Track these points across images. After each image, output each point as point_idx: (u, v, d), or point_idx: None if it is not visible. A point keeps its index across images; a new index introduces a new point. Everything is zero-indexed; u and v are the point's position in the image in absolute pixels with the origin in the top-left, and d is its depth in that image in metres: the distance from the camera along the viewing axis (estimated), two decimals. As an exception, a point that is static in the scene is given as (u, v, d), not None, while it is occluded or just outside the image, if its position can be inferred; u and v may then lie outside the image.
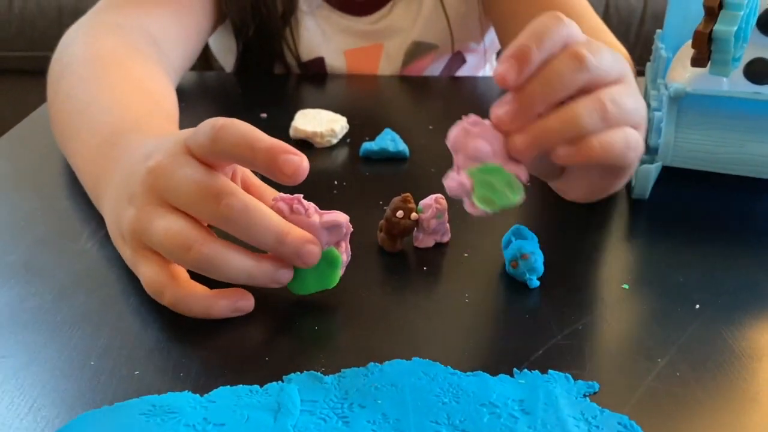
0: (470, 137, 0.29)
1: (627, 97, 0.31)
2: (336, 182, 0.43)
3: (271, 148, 0.28)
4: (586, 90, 0.29)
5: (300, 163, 0.28)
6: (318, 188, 0.42)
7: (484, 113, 0.30)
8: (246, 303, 0.31)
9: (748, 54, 0.41)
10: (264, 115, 0.54)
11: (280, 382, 0.26)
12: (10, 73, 1.36)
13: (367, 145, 0.47)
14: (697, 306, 0.32)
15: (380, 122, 0.51)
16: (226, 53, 0.72)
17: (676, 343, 0.29)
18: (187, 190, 0.29)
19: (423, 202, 0.35)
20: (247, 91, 0.61)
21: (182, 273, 0.31)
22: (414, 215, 0.35)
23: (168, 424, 0.24)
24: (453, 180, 0.30)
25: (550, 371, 0.27)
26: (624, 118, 0.30)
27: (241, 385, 0.26)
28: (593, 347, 0.29)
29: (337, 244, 0.31)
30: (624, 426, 0.25)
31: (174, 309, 0.30)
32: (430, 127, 0.53)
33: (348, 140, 0.50)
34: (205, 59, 0.74)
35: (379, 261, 0.35)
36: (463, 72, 0.74)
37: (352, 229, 0.31)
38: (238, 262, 0.29)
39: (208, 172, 0.29)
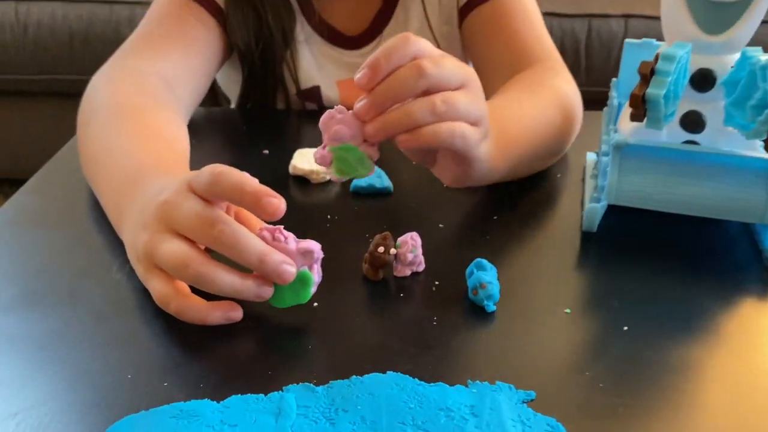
0: (334, 122, 0.40)
1: (461, 98, 0.41)
2: (329, 216, 0.50)
3: (256, 192, 0.36)
4: (429, 93, 0.40)
5: (278, 204, 0.36)
6: (314, 222, 0.49)
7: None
8: (235, 314, 0.38)
9: (683, 107, 0.48)
10: (266, 151, 0.60)
11: (280, 391, 0.33)
12: (24, 94, 1.43)
13: (357, 182, 0.54)
14: (625, 328, 0.39)
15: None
16: (230, 84, 0.79)
17: (602, 360, 0.36)
18: (189, 219, 0.37)
19: (400, 239, 0.42)
20: (251, 128, 0.68)
21: (184, 287, 0.38)
22: (392, 251, 0.41)
23: (193, 425, 0.31)
24: (318, 153, 0.40)
25: (497, 382, 0.34)
26: (454, 115, 0.41)
27: (249, 394, 0.33)
28: (534, 362, 0.36)
29: (310, 267, 0.38)
30: (551, 426, 0.32)
31: (178, 317, 0.37)
32: (413, 163, 0.59)
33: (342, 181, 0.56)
34: (213, 92, 0.81)
35: (363, 288, 0.42)
36: None
37: (323, 255, 0.39)
38: (227, 279, 0.36)
39: (206, 206, 0.37)
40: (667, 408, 0.33)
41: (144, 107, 0.55)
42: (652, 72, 0.44)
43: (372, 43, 0.74)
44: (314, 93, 0.74)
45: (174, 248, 0.36)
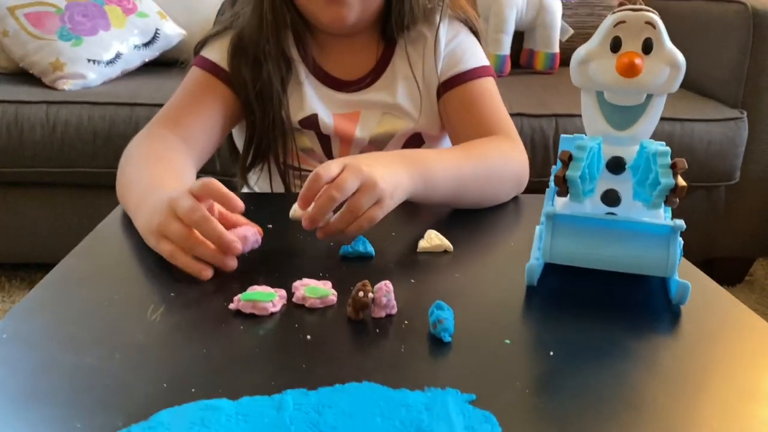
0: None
1: (361, 197, 0.63)
2: (321, 273, 0.61)
3: (225, 193, 0.60)
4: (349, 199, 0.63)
5: (238, 202, 0.61)
6: (309, 275, 0.60)
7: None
8: (206, 272, 0.59)
9: (602, 186, 0.60)
10: (270, 225, 0.73)
11: (281, 394, 0.44)
12: (51, 186, 1.57)
13: (345, 248, 0.66)
14: (551, 353, 0.50)
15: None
16: (241, 133, 0.94)
17: (530, 374, 0.47)
18: (183, 209, 0.59)
19: (376, 286, 0.54)
20: (258, 209, 0.80)
21: (183, 250, 0.60)
22: (370, 295, 0.53)
23: (215, 415, 0.41)
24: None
25: (447, 388, 0.45)
26: (360, 209, 0.63)
27: (257, 396, 0.43)
28: (477, 375, 0.46)
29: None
30: (486, 417, 0.42)
31: (180, 267, 0.60)
32: (393, 233, 0.72)
33: (331, 244, 0.68)
34: (231, 143, 1.00)
35: (347, 326, 0.53)
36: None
37: (261, 236, 0.64)
38: (203, 249, 0.59)
39: (196, 202, 0.59)
40: (577, 407, 0.44)
41: (163, 155, 0.76)
42: (570, 158, 0.56)
43: (365, 90, 0.90)
44: (312, 120, 0.89)
45: (175, 227, 0.59)
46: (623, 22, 0.56)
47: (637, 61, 0.55)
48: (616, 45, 0.56)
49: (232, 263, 0.60)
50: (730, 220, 1.69)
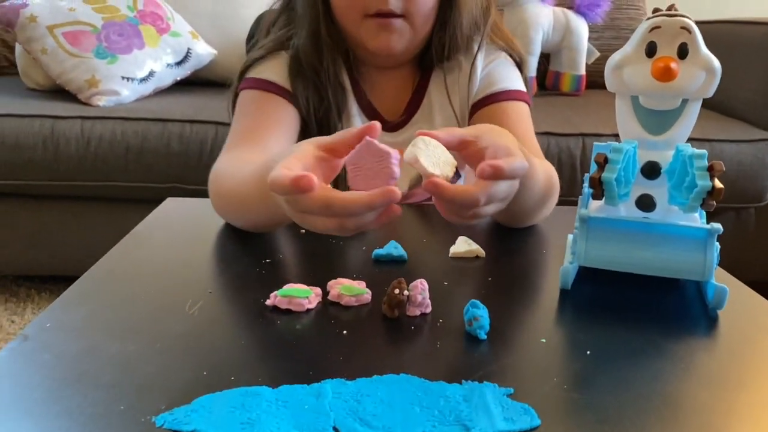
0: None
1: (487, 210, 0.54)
2: (354, 275, 0.62)
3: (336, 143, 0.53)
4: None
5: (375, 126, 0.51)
6: (346, 276, 0.61)
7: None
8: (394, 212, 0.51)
9: (637, 191, 0.60)
10: (302, 231, 0.73)
11: (320, 383, 0.44)
12: (86, 199, 1.60)
13: (378, 251, 0.66)
14: (588, 352, 0.49)
15: (385, 237, 0.71)
16: None
17: (567, 371, 0.47)
18: (305, 208, 0.50)
19: (411, 284, 0.54)
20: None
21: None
22: (405, 292, 0.53)
23: (255, 400, 0.42)
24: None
25: (484, 382, 0.45)
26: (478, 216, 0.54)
27: (297, 384, 0.44)
28: (513, 371, 0.46)
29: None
30: (525, 410, 0.42)
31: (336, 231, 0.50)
32: (424, 240, 0.72)
33: (363, 248, 0.69)
34: None
35: (382, 323, 0.53)
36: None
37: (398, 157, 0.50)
38: (364, 222, 0.50)
39: (309, 196, 0.49)
40: (616, 402, 0.43)
41: (250, 159, 0.72)
42: (606, 160, 0.57)
43: (404, 128, 0.90)
44: None
45: (321, 222, 0.50)
46: (658, 27, 0.57)
47: (673, 65, 0.56)
48: (651, 50, 0.57)
49: (396, 210, 0.50)
50: (759, 243, 1.67)
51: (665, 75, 0.56)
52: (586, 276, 0.61)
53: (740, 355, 0.51)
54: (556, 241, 0.72)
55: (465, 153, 0.57)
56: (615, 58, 0.59)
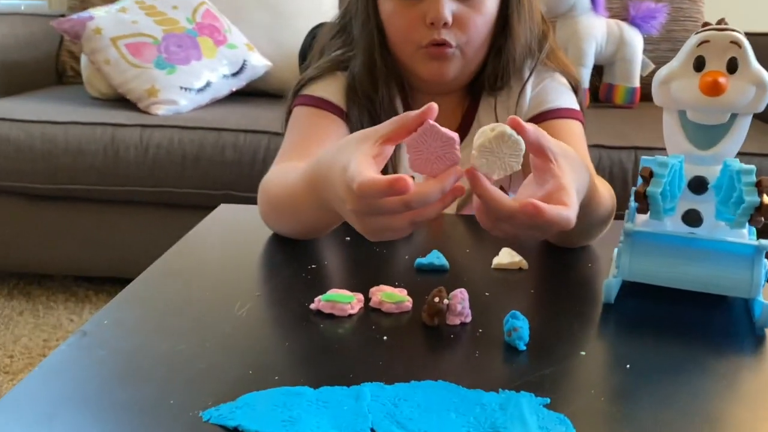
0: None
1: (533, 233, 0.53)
2: (396, 282, 0.63)
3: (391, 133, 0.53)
4: None
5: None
6: (387, 284, 0.62)
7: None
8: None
9: (683, 206, 0.60)
10: (348, 238, 0.75)
11: (359, 386, 0.45)
12: (143, 204, 1.67)
13: (420, 260, 0.67)
14: (628, 366, 0.49)
15: (428, 246, 0.71)
16: None
17: (604, 384, 0.47)
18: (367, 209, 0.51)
19: (452, 293, 0.55)
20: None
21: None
22: (445, 301, 0.54)
23: (297, 399, 0.43)
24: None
25: (521, 391, 0.45)
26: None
27: (337, 386, 0.45)
28: (551, 382, 0.47)
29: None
30: (560, 420, 0.42)
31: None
32: (467, 250, 0.73)
33: (406, 257, 0.70)
34: None
35: (422, 331, 0.54)
36: None
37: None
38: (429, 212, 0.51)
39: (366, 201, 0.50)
40: (654, 417, 0.43)
41: (297, 165, 0.71)
42: (651, 174, 0.56)
43: None
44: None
45: (385, 223, 0.51)
46: (707, 41, 0.56)
47: (722, 80, 0.55)
48: (699, 64, 0.57)
49: (461, 188, 0.51)
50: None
51: (713, 90, 0.55)
52: (632, 290, 0.61)
53: (787, 374, 0.50)
54: (604, 255, 0.72)
55: (535, 161, 0.56)
56: (662, 72, 0.59)
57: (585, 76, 1.93)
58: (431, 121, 0.51)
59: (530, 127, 0.53)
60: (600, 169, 1.53)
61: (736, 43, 0.56)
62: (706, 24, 0.59)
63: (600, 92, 2.03)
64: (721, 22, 0.58)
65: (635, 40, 1.93)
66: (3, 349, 1.57)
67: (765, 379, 0.49)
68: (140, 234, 1.70)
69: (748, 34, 0.57)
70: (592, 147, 1.54)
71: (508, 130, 0.51)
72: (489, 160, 0.52)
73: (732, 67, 0.56)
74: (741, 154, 0.58)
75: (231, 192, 1.60)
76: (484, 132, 0.52)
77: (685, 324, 0.57)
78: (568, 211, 0.50)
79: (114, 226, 1.71)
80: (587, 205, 0.63)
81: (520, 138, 0.51)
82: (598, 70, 1.99)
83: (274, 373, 0.47)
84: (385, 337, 0.53)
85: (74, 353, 0.50)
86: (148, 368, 0.47)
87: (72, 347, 0.50)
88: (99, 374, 0.47)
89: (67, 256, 1.74)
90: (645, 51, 1.96)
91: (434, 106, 0.52)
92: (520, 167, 0.52)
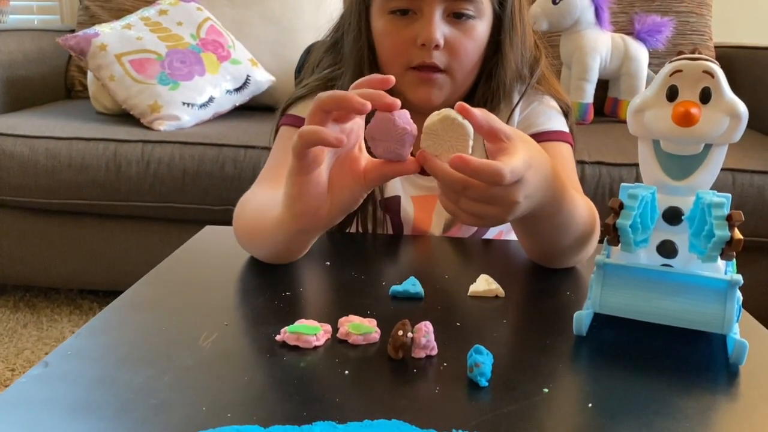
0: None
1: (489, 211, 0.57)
2: (368, 312, 0.62)
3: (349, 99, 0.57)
4: None
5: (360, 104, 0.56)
6: (359, 313, 0.62)
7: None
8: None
9: (658, 236, 0.59)
10: (328, 263, 0.75)
11: (311, 425, 0.45)
12: (145, 218, 1.68)
13: (395, 288, 0.67)
14: (590, 405, 0.48)
15: (407, 271, 0.71)
16: None
17: (564, 424, 0.46)
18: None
19: (417, 326, 0.54)
20: (319, 246, 0.83)
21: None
22: (409, 334, 0.53)
23: (245, 439, 0.43)
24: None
25: (475, 431, 0.44)
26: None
27: (288, 425, 0.45)
28: (508, 422, 0.46)
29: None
30: (511, 464, 0.41)
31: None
32: (446, 276, 0.72)
33: (383, 283, 0.69)
34: None
35: (386, 364, 0.54)
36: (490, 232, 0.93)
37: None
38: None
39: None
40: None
41: (276, 195, 0.71)
42: (621, 206, 0.56)
43: None
44: (395, 202, 0.89)
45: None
46: (680, 71, 0.55)
47: (693, 110, 0.54)
48: (672, 94, 0.56)
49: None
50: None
51: (685, 120, 0.55)
52: (607, 321, 0.60)
53: (760, 417, 0.49)
54: (586, 284, 0.71)
55: (489, 146, 0.58)
56: (636, 101, 0.58)
57: (589, 91, 1.92)
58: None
59: (478, 112, 0.55)
60: (600, 186, 1.51)
61: (709, 73, 0.55)
62: (680, 53, 0.58)
63: (605, 106, 2.01)
64: (694, 51, 0.57)
65: (641, 54, 1.92)
66: (5, 362, 1.58)
67: (737, 422, 0.48)
68: (143, 248, 1.71)
69: (755, 48, 0.56)
70: (592, 164, 1.53)
71: (452, 113, 0.55)
72: (435, 142, 0.56)
73: (705, 97, 0.55)
74: (744, 172, 0.56)
75: (231, 207, 1.59)
76: (431, 116, 0.56)
77: (659, 358, 0.56)
78: (499, 165, 0.53)
79: (117, 240, 1.72)
80: (558, 205, 0.65)
81: (465, 122, 0.55)
82: (603, 85, 1.97)
83: (227, 410, 0.46)
84: (346, 371, 0.52)
85: (34, 386, 0.50)
86: (101, 403, 0.47)
87: (33, 379, 0.50)
88: (56, 407, 0.47)
89: (70, 270, 1.76)
90: (651, 65, 1.94)
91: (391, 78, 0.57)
92: (471, 150, 0.55)
